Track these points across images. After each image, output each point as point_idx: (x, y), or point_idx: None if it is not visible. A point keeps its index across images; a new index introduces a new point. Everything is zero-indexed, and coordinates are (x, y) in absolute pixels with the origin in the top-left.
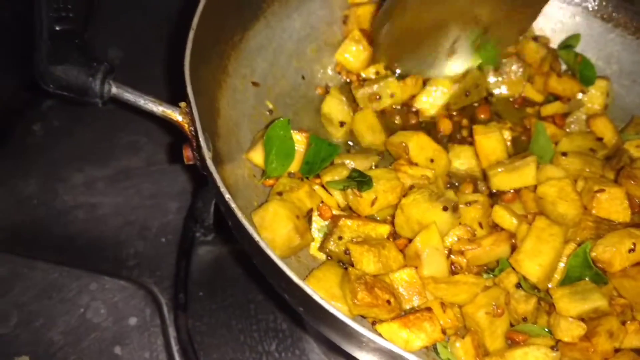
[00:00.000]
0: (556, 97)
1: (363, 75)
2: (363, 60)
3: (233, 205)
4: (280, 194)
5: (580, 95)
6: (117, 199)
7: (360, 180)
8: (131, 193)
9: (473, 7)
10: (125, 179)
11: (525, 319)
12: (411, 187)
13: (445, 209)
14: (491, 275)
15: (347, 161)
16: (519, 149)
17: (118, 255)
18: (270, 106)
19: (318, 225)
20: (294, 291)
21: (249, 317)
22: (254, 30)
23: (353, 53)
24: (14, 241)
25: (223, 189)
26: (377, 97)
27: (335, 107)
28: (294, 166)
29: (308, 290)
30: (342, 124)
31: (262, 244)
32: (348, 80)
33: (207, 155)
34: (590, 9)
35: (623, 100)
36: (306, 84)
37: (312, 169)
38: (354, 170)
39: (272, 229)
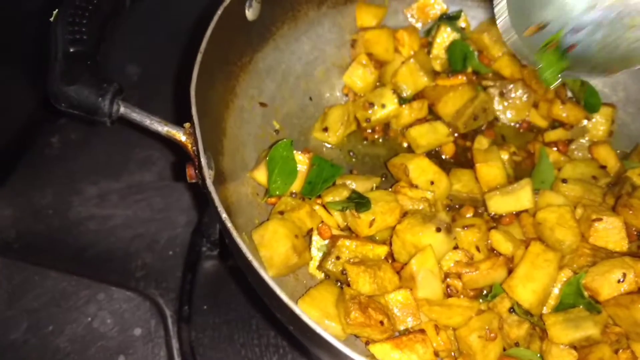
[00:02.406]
0: (561, 124)
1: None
2: (370, 83)
3: (229, 224)
4: (281, 213)
5: (585, 122)
6: (129, 211)
7: (359, 202)
8: (142, 206)
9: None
10: (138, 192)
11: (517, 344)
12: (406, 214)
13: (438, 229)
14: (486, 300)
15: (348, 182)
16: (523, 174)
17: (127, 266)
18: (277, 126)
19: (317, 244)
20: (284, 310)
21: (251, 331)
22: (263, 52)
23: (360, 76)
24: (29, 250)
25: (220, 209)
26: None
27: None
28: (296, 186)
29: (297, 310)
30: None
31: (255, 264)
32: (353, 101)
33: (208, 175)
34: None
35: (628, 127)
36: (314, 105)
37: (314, 189)
38: (354, 191)
39: (271, 247)
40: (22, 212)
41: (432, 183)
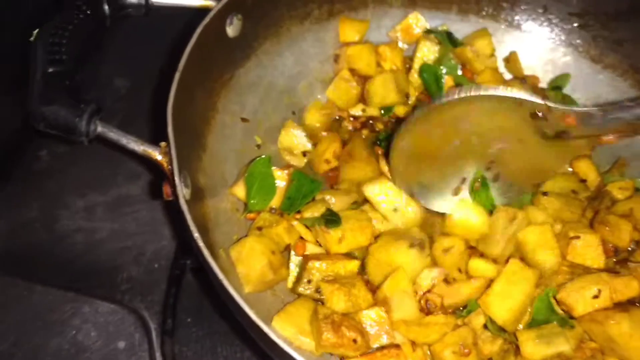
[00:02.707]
0: None
1: (352, 112)
2: (352, 97)
3: (200, 243)
4: (259, 228)
5: None
6: (115, 224)
7: (329, 218)
8: (129, 219)
9: (485, 149)
10: (124, 205)
11: None
12: (379, 235)
13: (411, 246)
14: (461, 315)
15: (327, 197)
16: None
17: (112, 279)
18: (259, 141)
19: (295, 260)
20: (254, 328)
21: (234, 345)
22: (245, 68)
23: (342, 91)
24: (17, 264)
25: (192, 228)
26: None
27: (293, 139)
28: (276, 201)
29: (265, 328)
30: (304, 153)
31: (225, 282)
32: (338, 117)
33: (181, 194)
34: (580, 50)
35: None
36: (297, 119)
37: (293, 204)
38: (328, 209)
39: (248, 264)
40: (9, 225)
41: (395, 210)
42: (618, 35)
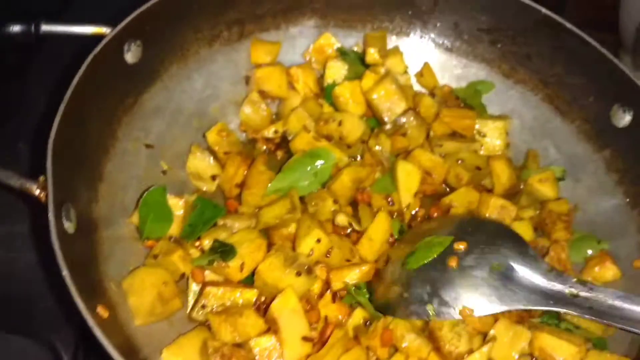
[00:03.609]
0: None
1: (265, 134)
2: (264, 119)
3: (68, 280)
4: (155, 257)
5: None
6: (31, 254)
7: (224, 250)
8: (45, 249)
9: None
10: (42, 235)
11: None
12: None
13: (298, 274)
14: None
15: (229, 222)
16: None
17: (27, 311)
18: (165, 167)
19: (192, 288)
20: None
21: None
22: (150, 93)
23: (253, 113)
24: None
25: (61, 265)
26: None
27: (201, 164)
28: (175, 230)
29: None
30: (213, 177)
31: (90, 321)
32: (252, 138)
33: (53, 230)
34: (492, 66)
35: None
36: (206, 143)
37: (194, 231)
38: (216, 240)
39: (139, 295)
40: None
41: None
42: (526, 50)
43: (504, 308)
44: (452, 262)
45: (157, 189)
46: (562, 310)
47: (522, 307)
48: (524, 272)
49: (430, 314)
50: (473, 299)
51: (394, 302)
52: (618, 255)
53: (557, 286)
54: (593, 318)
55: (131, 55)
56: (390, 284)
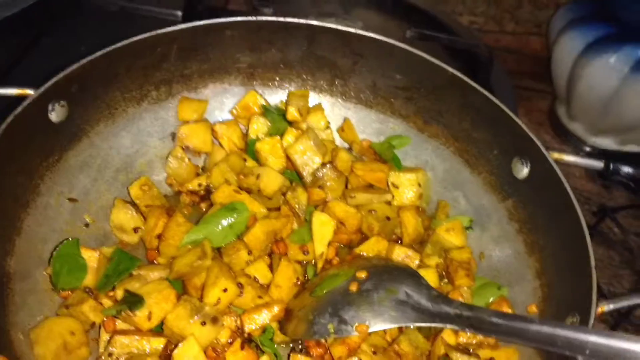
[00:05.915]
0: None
1: (189, 187)
2: (188, 173)
3: None
4: (67, 307)
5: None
6: None
7: (132, 300)
8: None
9: None
10: None
11: None
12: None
13: (203, 323)
14: None
15: (143, 273)
16: None
17: None
18: (89, 220)
19: (103, 338)
20: None
21: None
22: (75, 150)
23: (177, 168)
24: None
25: None
26: None
27: (124, 217)
28: (91, 280)
29: None
30: (136, 229)
31: None
32: (178, 190)
33: None
34: (408, 121)
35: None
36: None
37: (109, 281)
38: (126, 291)
39: (44, 345)
40: None
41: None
42: (438, 107)
43: (395, 325)
44: (353, 287)
45: (70, 242)
46: (447, 326)
47: (411, 324)
48: (416, 297)
49: (331, 331)
50: (369, 317)
51: (301, 325)
52: (515, 300)
53: (444, 308)
54: (473, 331)
55: (56, 114)
56: (298, 311)
